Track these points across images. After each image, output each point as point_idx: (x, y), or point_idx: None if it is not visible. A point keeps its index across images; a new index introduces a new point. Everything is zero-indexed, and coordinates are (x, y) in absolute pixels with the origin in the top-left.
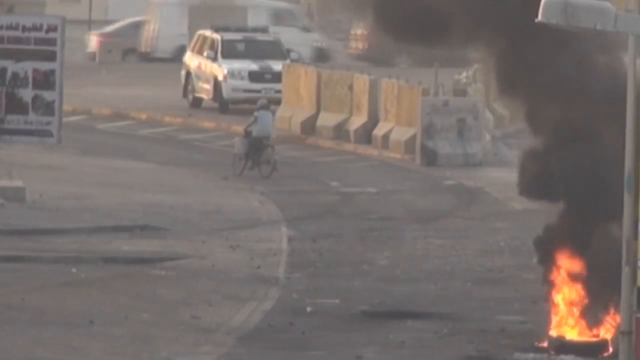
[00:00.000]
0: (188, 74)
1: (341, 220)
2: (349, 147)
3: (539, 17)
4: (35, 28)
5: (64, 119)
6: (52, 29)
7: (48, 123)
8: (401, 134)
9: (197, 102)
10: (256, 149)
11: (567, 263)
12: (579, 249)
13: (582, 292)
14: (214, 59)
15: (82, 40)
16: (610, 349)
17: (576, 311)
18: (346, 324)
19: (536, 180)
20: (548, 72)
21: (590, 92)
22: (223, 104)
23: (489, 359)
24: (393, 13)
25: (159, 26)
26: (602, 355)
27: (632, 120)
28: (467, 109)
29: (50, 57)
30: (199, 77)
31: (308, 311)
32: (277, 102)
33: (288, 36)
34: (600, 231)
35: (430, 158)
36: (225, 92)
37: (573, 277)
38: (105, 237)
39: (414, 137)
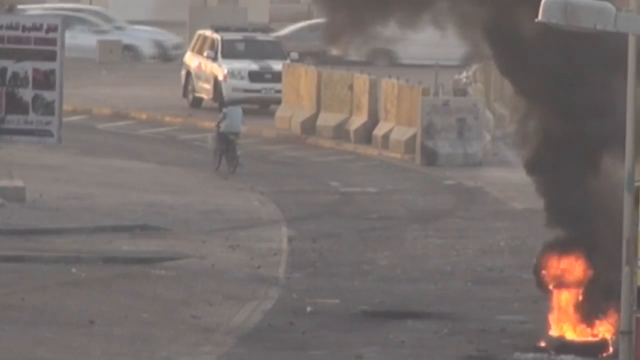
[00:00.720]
0: (188, 73)
1: (341, 220)
2: (349, 147)
3: (539, 17)
4: (35, 28)
5: (64, 119)
6: (52, 29)
7: (48, 123)
8: (401, 134)
9: (197, 102)
10: (225, 144)
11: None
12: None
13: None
14: (214, 59)
15: None
16: (610, 349)
17: (576, 311)
18: (346, 324)
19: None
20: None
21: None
22: (223, 104)
23: (489, 359)
24: None
25: None
26: (602, 355)
27: (632, 119)
28: (467, 109)
29: (50, 57)
30: (199, 77)
31: (308, 311)
32: (277, 102)
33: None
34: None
35: (430, 158)
36: (225, 92)
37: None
38: (105, 237)
39: (414, 137)
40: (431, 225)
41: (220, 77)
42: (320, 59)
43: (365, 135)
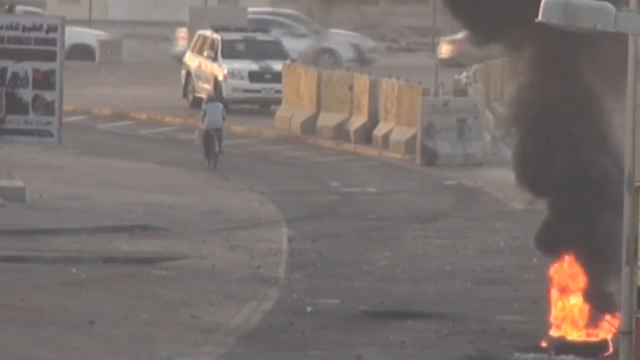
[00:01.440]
0: (188, 74)
1: (341, 220)
2: (349, 147)
3: (539, 17)
4: (35, 28)
5: (64, 119)
6: (52, 29)
7: (48, 123)
8: (401, 134)
9: (197, 102)
10: (208, 141)
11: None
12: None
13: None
14: (214, 59)
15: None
16: (611, 349)
17: (576, 311)
18: (346, 324)
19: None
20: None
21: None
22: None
23: (489, 359)
24: None
25: None
26: (602, 355)
27: (631, 119)
28: (467, 109)
29: (50, 57)
30: (199, 77)
31: (308, 311)
32: (277, 102)
33: None
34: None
35: (430, 158)
36: (226, 92)
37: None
38: (105, 237)
39: (414, 137)
40: (431, 225)
41: (220, 77)
42: None
43: (365, 135)
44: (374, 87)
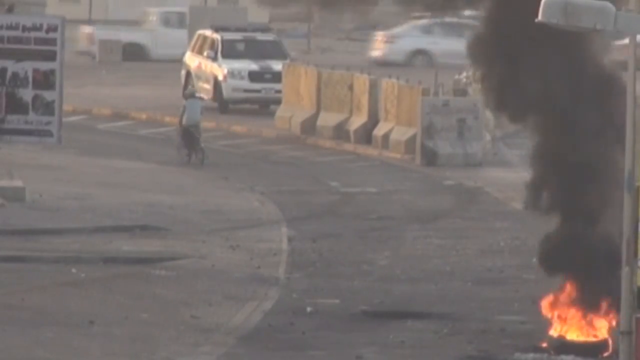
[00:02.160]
0: (188, 73)
1: (341, 220)
2: (349, 147)
3: (539, 17)
4: (35, 28)
5: (64, 119)
6: (52, 29)
7: (48, 123)
8: (401, 134)
9: None
10: (188, 137)
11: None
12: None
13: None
14: (214, 59)
15: None
16: (610, 349)
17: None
18: (346, 324)
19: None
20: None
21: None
22: (223, 104)
23: (489, 359)
24: None
25: None
26: (602, 355)
27: (631, 120)
28: (467, 109)
29: (50, 57)
30: (199, 77)
31: (308, 311)
32: (277, 102)
33: None
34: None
35: (430, 158)
36: (226, 92)
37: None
38: (105, 237)
39: (414, 137)
40: (431, 225)
41: (220, 77)
42: None
43: (365, 135)
44: (374, 87)
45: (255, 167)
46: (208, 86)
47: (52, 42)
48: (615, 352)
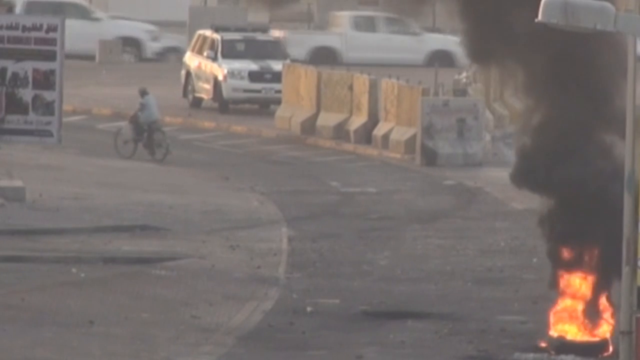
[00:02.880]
0: (188, 74)
1: (341, 220)
2: (349, 147)
3: (539, 17)
4: (35, 28)
5: (64, 119)
6: (52, 29)
7: (48, 123)
8: (401, 134)
9: (197, 102)
10: (146, 133)
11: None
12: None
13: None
14: (214, 59)
15: None
16: (610, 349)
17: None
18: (346, 324)
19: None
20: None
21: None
22: (223, 104)
23: (489, 359)
24: None
25: None
26: (602, 355)
27: (631, 120)
28: (467, 109)
29: (50, 57)
30: (199, 77)
31: (308, 311)
32: (277, 102)
33: None
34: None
35: (430, 158)
36: (225, 92)
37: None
38: (105, 237)
39: (414, 137)
40: (431, 225)
41: (220, 77)
42: None
43: (365, 135)
44: (373, 87)
45: (255, 167)
46: (208, 86)
47: (52, 42)
48: (615, 351)
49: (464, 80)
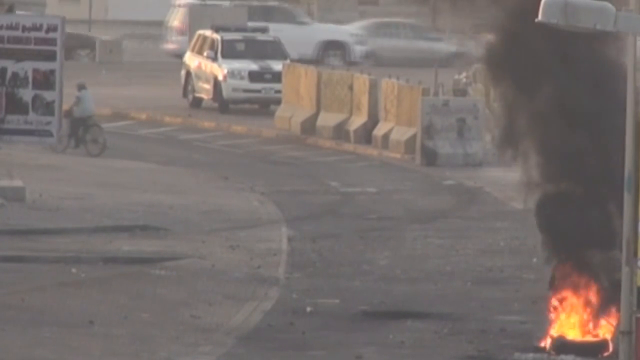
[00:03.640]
0: (188, 74)
1: (341, 220)
2: (349, 147)
3: (539, 17)
4: (35, 28)
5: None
6: (52, 29)
7: (48, 123)
8: (401, 134)
9: (197, 102)
10: (82, 128)
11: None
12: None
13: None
14: (214, 59)
15: None
16: (610, 349)
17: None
18: (346, 324)
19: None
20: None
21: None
22: (223, 104)
23: (489, 359)
24: None
25: None
26: (602, 355)
27: (631, 120)
28: (467, 109)
29: (50, 57)
30: (199, 77)
31: (308, 311)
32: (277, 102)
33: None
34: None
35: (430, 158)
36: (225, 92)
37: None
38: (105, 237)
39: (414, 137)
40: (431, 225)
41: (220, 77)
42: None
43: (365, 135)
44: (373, 87)
45: (255, 167)
46: (208, 86)
47: (52, 42)
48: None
49: (464, 80)
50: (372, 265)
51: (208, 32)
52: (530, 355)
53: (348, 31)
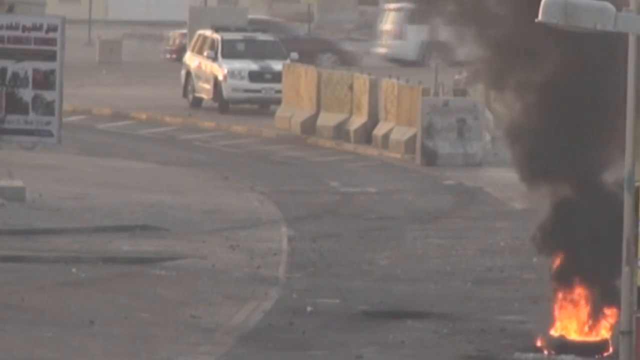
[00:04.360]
0: (188, 73)
1: (341, 220)
2: (349, 147)
3: (539, 17)
4: (35, 28)
5: (64, 119)
6: (52, 29)
7: (48, 123)
8: (401, 134)
9: (197, 102)
10: None
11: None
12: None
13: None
14: (214, 59)
15: None
16: (610, 349)
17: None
18: (346, 324)
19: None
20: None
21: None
22: (223, 104)
23: (489, 359)
24: None
25: None
26: (602, 355)
27: (631, 120)
28: (467, 109)
29: (50, 57)
30: (199, 77)
31: (308, 311)
32: (277, 102)
33: None
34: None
35: (430, 158)
36: (225, 92)
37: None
38: (105, 237)
39: (414, 137)
40: (431, 225)
41: (220, 77)
42: None
43: (365, 135)
44: (374, 87)
45: (255, 167)
46: (208, 86)
47: (52, 42)
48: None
49: (464, 80)
50: (372, 265)
51: (208, 32)
52: (531, 355)
53: None
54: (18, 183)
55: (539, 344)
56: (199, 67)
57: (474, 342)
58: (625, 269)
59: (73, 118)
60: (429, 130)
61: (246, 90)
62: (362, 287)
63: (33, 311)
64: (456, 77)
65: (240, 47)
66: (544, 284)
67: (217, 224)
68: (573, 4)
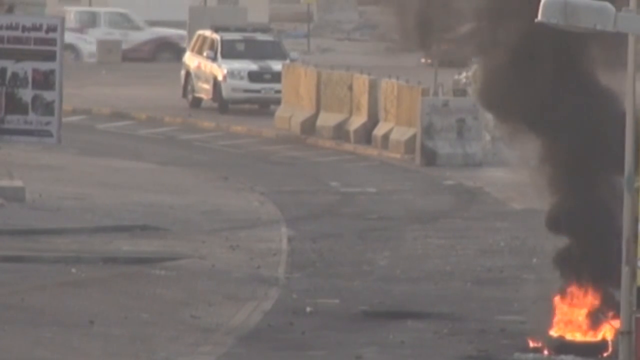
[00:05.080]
0: (188, 74)
1: (341, 220)
2: (349, 147)
3: (539, 17)
4: (35, 28)
5: (64, 119)
6: (52, 29)
7: (48, 123)
8: (401, 134)
9: (197, 102)
10: None
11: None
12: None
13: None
14: (214, 59)
15: None
16: (610, 349)
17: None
18: (346, 324)
19: None
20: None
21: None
22: (223, 104)
23: (489, 359)
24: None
25: None
26: (602, 355)
27: (631, 120)
28: (467, 109)
29: (50, 57)
30: (198, 77)
31: (308, 311)
32: (277, 102)
33: None
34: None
35: (430, 158)
36: (225, 92)
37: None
38: (105, 237)
39: (413, 137)
40: (431, 225)
41: (220, 77)
42: None
43: (365, 135)
44: (373, 87)
45: (255, 167)
46: (208, 86)
47: (52, 42)
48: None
49: (464, 80)
50: (372, 265)
51: (208, 32)
52: (530, 355)
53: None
54: (18, 183)
55: (532, 344)
56: (199, 67)
57: (474, 342)
58: (625, 269)
59: (73, 118)
60: (428, 131)
61: (246, 91)
62: (362, 287)
63: (33, 311)
64: (456, 77)
65: (240, 47)
66: (544, 284)
67: (217, 224)
68: (572, 4)
